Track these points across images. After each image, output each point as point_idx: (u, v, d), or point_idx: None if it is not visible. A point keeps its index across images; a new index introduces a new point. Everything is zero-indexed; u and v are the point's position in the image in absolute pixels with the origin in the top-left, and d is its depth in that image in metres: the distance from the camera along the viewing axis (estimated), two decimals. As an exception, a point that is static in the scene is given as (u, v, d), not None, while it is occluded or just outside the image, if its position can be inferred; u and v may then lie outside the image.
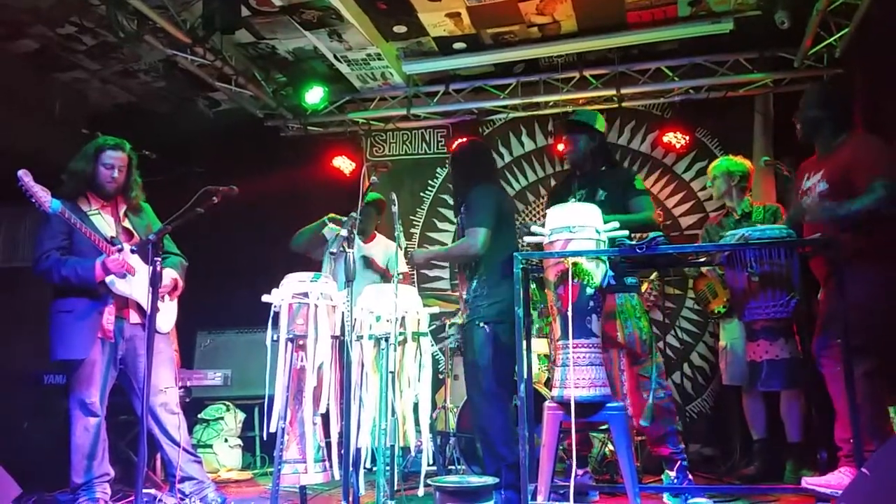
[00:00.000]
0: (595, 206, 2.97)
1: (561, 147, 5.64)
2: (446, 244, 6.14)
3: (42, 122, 5.81)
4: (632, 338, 3.37)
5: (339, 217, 4.41)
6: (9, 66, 5.39)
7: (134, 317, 3.45)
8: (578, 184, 3.71)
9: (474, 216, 3.46)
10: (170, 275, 3.52)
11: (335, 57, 5.47)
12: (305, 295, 3.26)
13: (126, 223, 3.54)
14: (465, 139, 4.03)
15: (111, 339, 3.35)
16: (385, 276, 4.58)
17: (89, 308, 3.30)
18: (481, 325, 3.42)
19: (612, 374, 3.38)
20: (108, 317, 3.34)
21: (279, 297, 3.27)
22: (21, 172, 3.10)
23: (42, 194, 3.13)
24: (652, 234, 2.84)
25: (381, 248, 4.75)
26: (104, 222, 3.44)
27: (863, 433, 2.73)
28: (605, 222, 2.92)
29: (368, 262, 4.59)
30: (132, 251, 3.33)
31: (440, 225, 6.24)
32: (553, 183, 5.98)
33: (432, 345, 3.67)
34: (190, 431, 4.52)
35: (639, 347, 3.37)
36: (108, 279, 3.28)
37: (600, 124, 3.73)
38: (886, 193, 2.88)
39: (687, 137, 5.58)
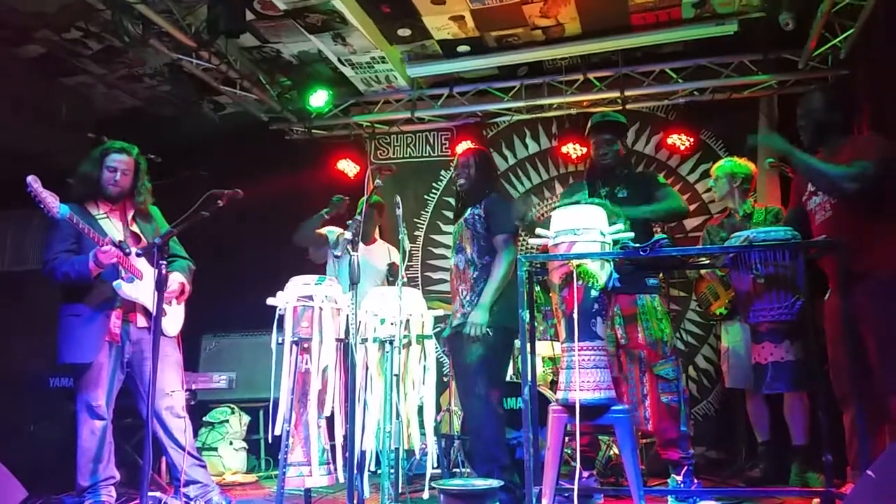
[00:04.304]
0: (602, 206, 2.97)
1: (564, 147, 5.75)
2: (450, 246, 6.14)
3: (48, 127, 5.84)
4: (653, 340, 3.38)
5: (334, 208, 4.38)
6: (15, 71, 5.42)
7: (141, 320, 3.46)
8: (601, 182, 3.74)
9: (499, 224, 3.57)
10: (177, 279, 3.53)
11: (339, 60, 5.48)
12: (310, 298, 3.28)
13: (134, 227, 3.56)
14: (471, 146, 4.04)
15: (118, 343, 3.37)
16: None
17: (97, 312, 3.32)
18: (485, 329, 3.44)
19: (634, 377, 3.41)
20: (115, 320, 3.36)
21: (284, 300, 3.29)
22: (30, 178, 3.11)
23: (51, 200, 3.14)
24: (657, 237, 2.84)
25: (381, 252, 4.73)
26: (112, 226, 3.45)
27: None
28: (633, 214, 3.01)
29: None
30: (138, 255, 3.34)
31: (444, 227, 6.24)
32: (557, 185, 6.01)
33: (436, 347, 3.67)
34: (195, 434, 4.53)
35: (660, 349, 3.38)
36: (114, 283, 3.30)
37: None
38: (856, 171, 2.93)
39: (691, 139, 5.59)
